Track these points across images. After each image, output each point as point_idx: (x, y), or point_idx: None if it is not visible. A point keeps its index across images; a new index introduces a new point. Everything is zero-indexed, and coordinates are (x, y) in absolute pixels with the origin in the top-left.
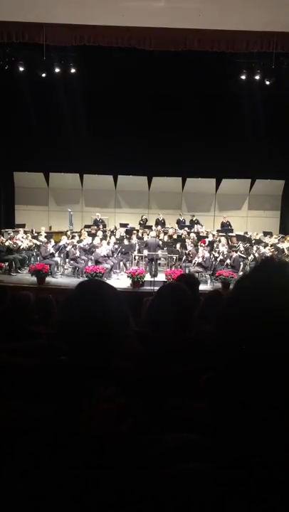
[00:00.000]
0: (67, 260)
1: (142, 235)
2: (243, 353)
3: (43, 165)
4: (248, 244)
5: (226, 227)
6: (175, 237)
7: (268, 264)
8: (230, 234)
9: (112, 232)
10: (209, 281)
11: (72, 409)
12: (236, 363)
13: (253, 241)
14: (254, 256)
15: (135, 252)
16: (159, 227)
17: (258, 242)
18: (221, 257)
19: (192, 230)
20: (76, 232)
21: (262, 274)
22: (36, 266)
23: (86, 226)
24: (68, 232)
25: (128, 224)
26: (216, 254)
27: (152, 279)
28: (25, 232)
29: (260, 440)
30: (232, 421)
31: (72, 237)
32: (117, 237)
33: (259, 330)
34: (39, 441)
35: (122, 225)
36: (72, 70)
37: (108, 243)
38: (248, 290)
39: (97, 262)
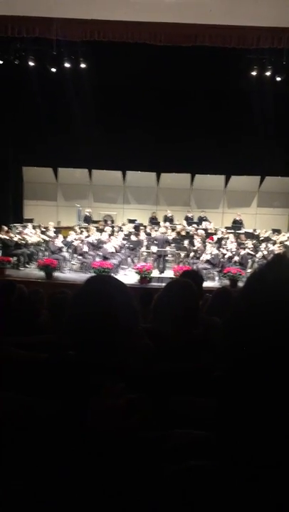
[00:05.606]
0: (74, 255)
1: (150, 231)
2: (252, 351)
3: (52, 160)
4: (256, 242)
5: (238, 224)
6: (183, 233)
7: (280, 261)
8: (238, 231)
9: (120, 228)
10: (217, 278)
11: (79, 405)
12: (246, 361)
13: (262, 238)
14: (262, 253)
15: (143, 248)
16: (168, 223)
17: (267, 239)
18: (229, 254)
19: (200, 227)
20: (84, 228)
21: (273, 271)
22: (45, 261)
23: (93, 222)
24: (76, 228)
25: (136, 220)
26: (224, 251)
27: (160, 275)
28: (34, 227)
29: (267, 438)
30: (239, 418)
31: (81, 232)
32: (125, 232)
33: (269, 327)
34: (43, 437)
35: (130, 221)
36: (83, 65)
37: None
38: (259, 287)
39: (105, 258)
